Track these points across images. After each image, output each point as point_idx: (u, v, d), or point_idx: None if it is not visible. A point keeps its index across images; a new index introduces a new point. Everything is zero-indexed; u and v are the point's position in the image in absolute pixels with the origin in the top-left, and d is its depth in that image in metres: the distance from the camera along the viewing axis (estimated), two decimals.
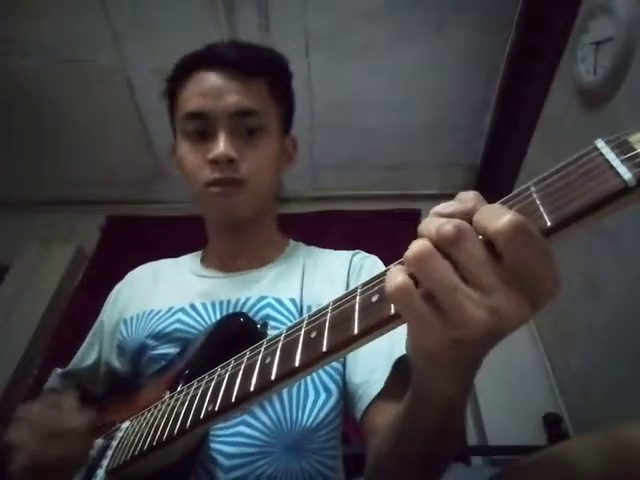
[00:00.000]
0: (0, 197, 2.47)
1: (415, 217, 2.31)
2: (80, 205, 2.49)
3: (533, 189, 0.30)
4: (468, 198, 0.32)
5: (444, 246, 0.29)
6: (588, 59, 1.39)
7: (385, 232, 2.24)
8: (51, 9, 1.80)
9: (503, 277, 0.29)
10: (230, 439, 0.61)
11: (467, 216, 0.31)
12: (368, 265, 0.77)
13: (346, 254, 0.80)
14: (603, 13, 1.31)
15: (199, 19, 1.80)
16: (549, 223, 0.28)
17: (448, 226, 0.29)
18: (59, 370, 0.80)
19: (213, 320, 0.69)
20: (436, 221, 0.30)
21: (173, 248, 0.90)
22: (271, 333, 0.59)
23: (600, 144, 0.29)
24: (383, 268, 0.34)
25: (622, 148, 0.28)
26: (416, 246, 0.30)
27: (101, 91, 2.07)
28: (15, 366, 1.93)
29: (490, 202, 0.32)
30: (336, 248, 0.84)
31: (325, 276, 0.75)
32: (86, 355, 0.80)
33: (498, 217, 0.28)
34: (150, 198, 2.50)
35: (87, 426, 0.55)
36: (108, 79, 2.03)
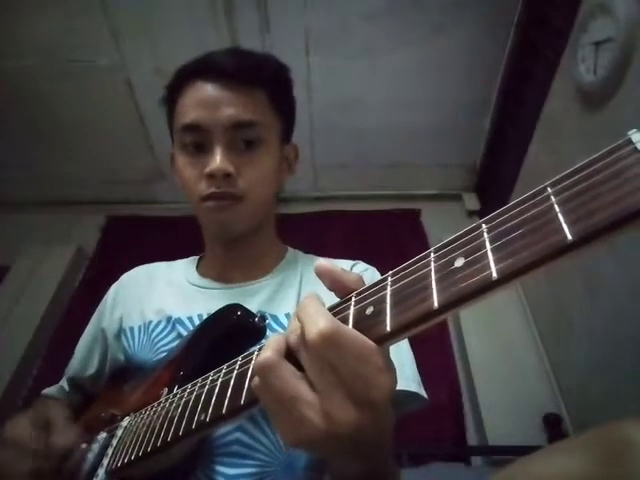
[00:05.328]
0: (0, 197, 2.47)
1: (415, 217, 2.28)
2: (80, 205, 2.49)
3: (550, 190, 0.25)
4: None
5: (292, 351, 0.32)
6: (588, 59, 1.39)
7: (385, 232, 2.23)
8: (51, 9, 1.80)
9: (333, 383, 0.30)
10: (229, 460, 0.59)
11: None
12: (367, 278, 0.74)
13: (345, 264, 0.78)
14: (603, 13, 1.31)
15: (199, 19, 1.80)
16: (570, 237, 0.23)
17: (293, 336, 0.32)
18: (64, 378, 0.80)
19: None
20: (294, 322, 0.33)
21: (173, 248, 0.90)
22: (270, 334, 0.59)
23: (636, 136, 0.22)
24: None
25: None
26: (262, 357, 0.33)
27: (101, 91, 2.07)
28: (15, 366, 1.93)
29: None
30: (337, 248, 0.83)
31: (323, 286, 0.74)
32: (87, 363, 0.78)
33: (311, 328, 0.29)
34: (150, 198, 2.50)
35: (70, 445, 0.56)
36: (108, 79, 2.03)
